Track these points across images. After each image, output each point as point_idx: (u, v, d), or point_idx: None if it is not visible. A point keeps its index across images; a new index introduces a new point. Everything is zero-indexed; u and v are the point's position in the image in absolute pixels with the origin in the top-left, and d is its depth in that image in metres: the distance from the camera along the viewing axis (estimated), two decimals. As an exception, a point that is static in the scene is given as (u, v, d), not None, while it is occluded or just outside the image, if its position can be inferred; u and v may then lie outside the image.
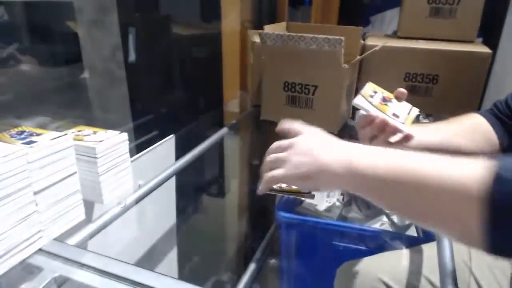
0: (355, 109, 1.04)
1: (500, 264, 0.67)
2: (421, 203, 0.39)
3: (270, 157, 0.55)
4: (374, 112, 0.64)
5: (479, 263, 0.67)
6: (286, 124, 0.57)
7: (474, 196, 0.34)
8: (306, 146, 0.51)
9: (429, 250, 0.72)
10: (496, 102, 0.75)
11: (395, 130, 0.63)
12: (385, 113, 0.64)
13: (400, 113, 0.66)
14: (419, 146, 0.68)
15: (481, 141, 0.69)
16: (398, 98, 0.69)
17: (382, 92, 0.68)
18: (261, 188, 0.57)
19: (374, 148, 0.46)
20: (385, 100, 0.67)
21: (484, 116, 0.73)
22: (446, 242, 0.56)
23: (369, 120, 0.64)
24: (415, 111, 0.68)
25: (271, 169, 0.53)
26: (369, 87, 0.68)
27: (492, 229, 0.34)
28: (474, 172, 0.35)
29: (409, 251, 0.73)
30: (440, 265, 0.52)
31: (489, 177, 0.34)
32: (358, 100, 0.65)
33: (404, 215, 0.42)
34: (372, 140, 0.66)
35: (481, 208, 0.34)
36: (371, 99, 0.66)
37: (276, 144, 0.56)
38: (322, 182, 0.48)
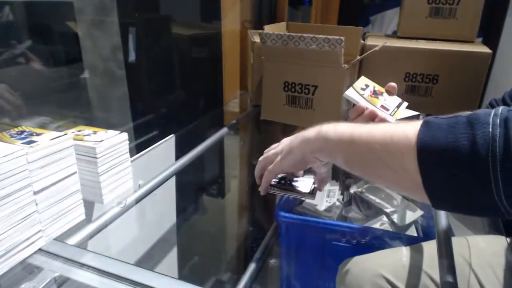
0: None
1: (499, 259, 0.67)
2: (372, 157, 0.43)
3: (259, 161, 0.62)
4: (363, 103, 0.67)
5: (479, 259, 0.68)
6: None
7: (412, 143, 0.38)
8: (288, 138, 0.58)
9: (429, 247, 0.72)
10: (492, 100, 0.76)
11: (383, 122, 0.66)
12: (374, 105, 0.67)
13: (390, 106, 0.69)
14: None
15: None
16: (389, 92, 0.72)
17: (374, 86, 0.71)
18: (260, 188, 0.62)
19: (343, 123, 0.51)
20: (376, 93, 0.70)
21: None
22: (446, 240, 0.56)
23: (359, 111, 0.67)
24: (404, 105, 0.71)
25: (264, 168, 0.60)
26: (362, 81, 0.71)
27: (420, 170, 0.37)
28: (414, 125, 0.39)
29: (410, 248, 0.74)
30: (440, 262, 0.52)
31: (421, 125, 0.38)
32: (349, 92, 0.68)
33: (360, 172, 0.47)
34: None
35: (415, 152, 0.38)
36: (362, 92, 0.69)
37: (265, 153, 0.62)
38: (298, 149, 0.55)
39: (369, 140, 0.43)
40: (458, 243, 0.69)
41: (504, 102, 0.72)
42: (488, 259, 0.68)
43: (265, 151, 0.62)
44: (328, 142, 0.49)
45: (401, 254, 0.73)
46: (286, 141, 0.59)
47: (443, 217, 0.62)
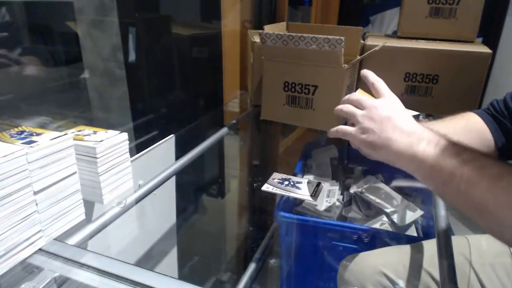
0: None
1: (500, 259, 0.67)
2: (475, 205, 0.42)
3: (346, 106, 0.60)
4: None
5: (480, 258, 0.68)
6: (371, 77, 0.61)
7: None
8: (380, 115, 0.54)
9: (430, 245, 0.73)
10: (493, 101, 0.75)
11: None
12: None
13: None
14: None
15: (476, 140, 0.70)
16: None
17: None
18: (329, 133, 0.63)
19: (438, 138, 0.48)
20: None
21: (480, 115, 0.73)
22: (446, 239, 0.56)
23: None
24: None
25: (344, 112, 0.59)
26: (360, 93, 0.69)
27: None
28: None
29: (410, 246, 0.74)
30: (440, 261, 0.52)
31: None
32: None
33: (453, 205, 0.45)
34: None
35: None
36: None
37: (357, 96, 0.60)
38: (383, 155, 0.52)
39: (479, 194, 0.41)
40: (458, 242, 0.69)
41: (505, 103, 0.72)
42: (489, 259, 0.68)
43: (353, 98, 0.60)
44: (423, 169, 0.46)
45: (402, 252, 0.73)
46: (372, 118, 0.55)
47: (443, 217, 0.62)
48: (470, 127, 0.72)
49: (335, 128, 0.62)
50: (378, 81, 0.61)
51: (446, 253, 0.53)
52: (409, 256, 0.71)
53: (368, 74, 0.63)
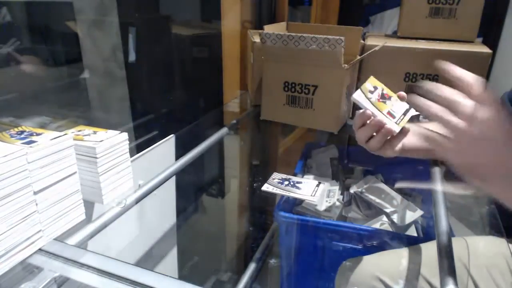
0: (355, 109, 1.04)
1: (498, 264, 0.67)
2: None
3: (441, 110, 0.44)
4: (370, 108, 0.64)
5: (477, 263, 0.67)
6: (457, 71, 0.47)
7: None
8: (488, 134, 0.41)
9: (428, 249, 0.72)
10: None
11: (390, 132, 0.64)
12: (381, 111, 0.65)
13: (396, 113, 0.66)
14: (408, 151, 0.69)
15: None
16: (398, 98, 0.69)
17: (382, 89, 0.68)
18: (426, 140, 0.48)
19: None
20: (383, 97, 0.67)
21: None
22: (446, 242, 0.56)
23: (365, 118, 0.64)
24: (411, 112, 0.67)
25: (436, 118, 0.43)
26: (371, 82, 0.67)
27: None
28: None
29: (408, 250, 0.74)
30: (440, 265, 0.52)
31: None
32: (357, 95, 0.65)
33: None
34: (368, 140, 0.66)
35: None
36: (370, 95, 0.66)
37: (453, 93, 0.45)
38: (492, 187, 0.41)
39: None
40: (456, 244, 0.68)
41: (502, 102, 0.71)
42: (486, 261, 0.67)
43: (447, 94, 0.45)
44: None
45: (400, 256, 0.73)
46: (477, 136, 0.41)
47: (443, 217, 0.62)
48: None
49: (428, 135, 0.46)
50: (468, 76, 0.46)
51: (446, 254, 0.53)
52: (406, 260, 0.71)
53: (455, 71, 0.48)
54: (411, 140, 0.69)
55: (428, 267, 0.68)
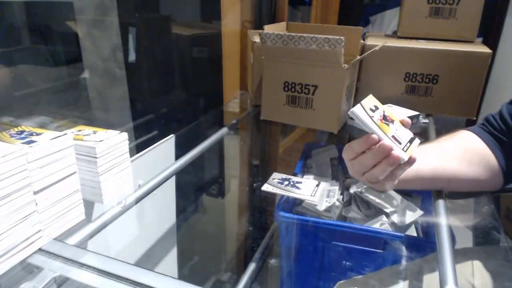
0: (348, 130, 1.00)
1: (504, 280, 0.64)
2: None
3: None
4: (373, 128, 0.55)
5: (483, 281, 0.64)
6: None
7: None
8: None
9: (428, 263, 0.68)
10: (488, 116, 0.68)
11: (398, 160, 0.54)
12: (386, 134, 0.55)
13: (402, 139, 0.57)
14: (410, 176, 0.64)
15: (479, 164, 0.64)
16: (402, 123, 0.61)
17: (383, 110, 0.59)
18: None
19: None
20: (386, 119, 0.58)
21: (478, 134, 0.67)
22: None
23: (371, 143, 0.55)
24: (417, 142, 0.60)
25: None
26: (370, 100, 0.58)
27: None
28: None
29: (407, 265, 0.70)
30: (440, 262, 0.51)
31: None
32: (357, 110, 0.54)
33: None
34: (368, 170, 0.58)
35: None
36: (372, 113, 0.56)
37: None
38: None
39: None
40: (460, 265, 0.64)
41: (501, 117, 0.65)
42: (492, 281, 0.64)
43: None
44: None
45: (397, 276, 0.69)
46: None
47: (443, 218, 0.62)
48: (469, 150, 0.65)
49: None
50: None
51: (446, 255, 0.53)
52: (403, 279, 0.67)
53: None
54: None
55: (429, 285, 0.64)
